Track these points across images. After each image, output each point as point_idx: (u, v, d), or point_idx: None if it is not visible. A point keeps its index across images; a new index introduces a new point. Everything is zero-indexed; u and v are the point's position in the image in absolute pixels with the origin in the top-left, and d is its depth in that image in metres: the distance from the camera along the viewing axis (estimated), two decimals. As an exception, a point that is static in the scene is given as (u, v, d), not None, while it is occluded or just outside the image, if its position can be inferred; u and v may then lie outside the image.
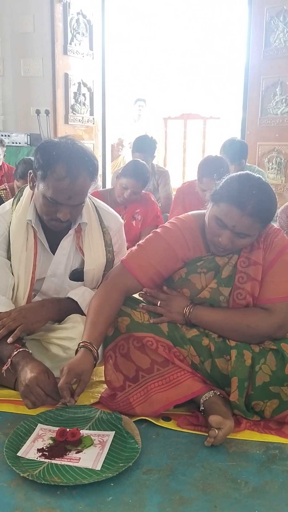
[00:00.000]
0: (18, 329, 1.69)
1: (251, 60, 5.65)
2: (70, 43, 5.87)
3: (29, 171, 1.79)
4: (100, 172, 6.14)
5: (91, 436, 1.50)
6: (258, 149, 5.69)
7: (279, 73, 5.44)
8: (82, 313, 1.84)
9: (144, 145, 4.33)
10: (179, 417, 1.66)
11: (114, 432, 1.53)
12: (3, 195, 3.66)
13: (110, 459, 1.40)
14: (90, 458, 1.40)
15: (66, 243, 1.89)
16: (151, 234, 1.79)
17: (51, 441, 1.47)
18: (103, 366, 1.74)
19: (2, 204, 1.98)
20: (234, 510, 1.25)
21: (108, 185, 6.27)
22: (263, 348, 1.65)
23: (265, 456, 1.49)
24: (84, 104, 6.18)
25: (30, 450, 1.43)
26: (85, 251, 1.90)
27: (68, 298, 1.87)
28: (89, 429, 1.55)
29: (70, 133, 5.71)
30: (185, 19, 8.25)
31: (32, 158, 1.94)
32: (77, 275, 1.93)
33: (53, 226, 1.80)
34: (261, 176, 1.70)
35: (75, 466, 1.37)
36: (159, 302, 1.74)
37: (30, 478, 1.31)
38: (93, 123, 6.34)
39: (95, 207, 1.97)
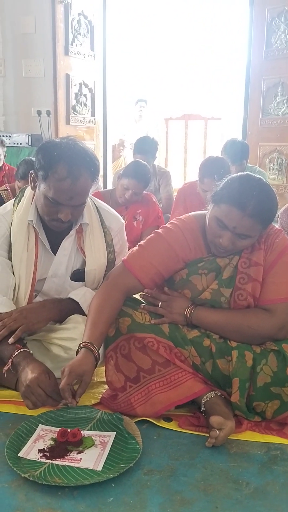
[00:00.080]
0: (19, 330, 1.69)
1: (252, 61, 5.65)
2: (71, 44, 5.87)
3: (31, 172, 1.79)
4: (101, 172, 6.14)
5: (92, 437, 1.49)
6: (259, 150, 5.69)
7: (280, 73, 5.44)
8: (83, 314, 1.83)
9: (146, 146, 4.33)
10: (180, 417, 1.66)
11: (115, 432, 1.52)
12: (4, 196, 3.66)
13: (111, 460, 1.40)
14: (91, 459, 1.40)
15: (67, 244, 1.89)
16: (152, 235, 1.79)
17: (52, 442, 1.47)
18: (104, 367, 1.74)
19: (3, 205, 1.98)
20: (235, 511, 1.25)
21: (109, 186, 6.28)
22: (264, 349, 1.64)
23: (266, 457, 1.48)
24: (85, 104, 6.19)
25: (31, 451, 1.43)
26: (86, 252, 1.90)
27: (69, 298, 1.87)
28: (90, 430, 1.54)
29: (71, 134, 5.71)
30: (186, 20, 8.25)
31: (33, 158, 1.94)
32: (78, 276, 1.93)
33: (54, 227, 1.80)
34: (261, 177, 1.70)
35: (76, 467, 1.37)
36: (160, 303, 1.74)
37: (31, 478, 1.30)
38: (94, 124, 6.35)
39: (96, 208, 1.97)
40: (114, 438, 1.50)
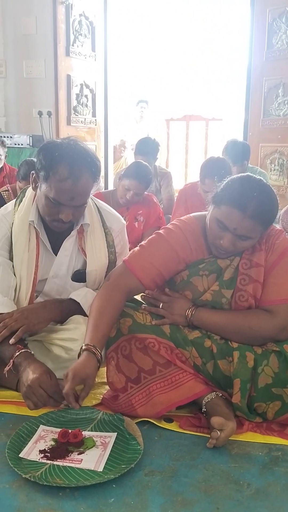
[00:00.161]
0: (20, 330, 1.69)
1: (253, 62, 5.65)
2: (73, 45, 5.88)
3: (32, 172, 1.79)
4: (102, 173, 6.14)
5: (93, 438, 1.49)
6: (261, 151, 5.69)
7: (282, 74, 5.44)
8: (84, 314, 1.83)
9: (147, 148, 4.34)
10: (181, 418, 1.65)
11: (116, 433, 1.52)
12: (5, 196, 3.66)
13: (112, 461, 1.40)
14: (92, 460, 1.40)
15: (68, 244, 1.89)
16: (153, 235, 1.79)
17: (53, 442, 1.47)
18: (105, 367, 1.73)
19: (5, 205, 1.98)
20: (236, 512, 1.25)
21: (111, 187, 6.28)
22: (266, 349, 1.64)
23: (268, 458, 1.48)
24: (86, 105, 6.20)
25: (32, 451, 1.43)
26: (87, 252, 1.90)
27: (70, 299, 1.87)
28: (91, 431, 1.54)
29: (72, 135, 5.72)
30: (187, 21, 8.26)
31: (35, 159, 1.94)
32: (79, 276, 1.93)
33: (56, 227, 1.80)
34: (262, 178, 1.69)
35: (77, 468, 1.37)
36: (161, 304, 1.73)
37: (32, 479, 1.30)
38: (95, 125, 6.35)
39: (97, 208, 1.97)
40: (115, 438, 1.50)
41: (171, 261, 1.72)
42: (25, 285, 1.86)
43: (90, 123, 6.27)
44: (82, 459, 1.40)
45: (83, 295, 1.87)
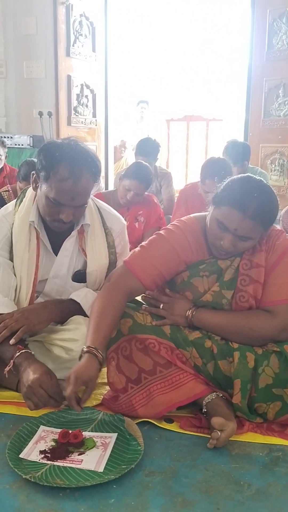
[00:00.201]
0: (20, 331, 1.69)
1: (254, 62, 5.65)
2: (73, 45, 5.88)
3: (32, 172, 1.79)
4: (102, 174, 6.15)
5: (94, 438, 1.49)
6: (261, 151, 5.69)
7: (282, 75, 5.44)
8: (84, 315, 1.83)
9: (147, 148, 4.34)
10: (182, 419, 1.65)
11: (116, 434, 1.52)
12: (5, 197, 3.66)
13: (113, 461, 1.40)
14: (93, 460, 1.40)
15: (69, 245, 1.89)
16: (154, 236, 1.78)
17: (53, 443, 1.47)
18: (106, 368, 1.73)
19: (5, 206, 1.98)
20: (237, 513, 1.25)
21: (111, 187, 6.28)
22: (266, 350, 1.64)
23: (268, 458, 1.48)
24: (86, 106, 6.20)
25: (32, 452, 1.43)
26: (87, 253, 1.90)
27: (71, 299, 1.87)
28: (92, 431, 1.54)
29: (72, 135, 5.71)
30: (187, 21, 8.26)
31: (35, 159, 1.94)
32: (79, 277, 1.93)
33: (56, 227, 1.80)
34: (262, 179, 1.69)
35: (77, 468, 1.37)
36: (161, 305, 1.73)
37: (32, 480, 1.30)
38: (96, 125, 6.35)
39: (98, 209, 1.97)
40: (116, 439, 1.50)
41: (172, 262, 1.72)
42: (25, 285, 1.86)
43: (90, 123, 6.27)
44: (82, 460, 1.40)
45: (83, 295, 1.87)
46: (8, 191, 3.69)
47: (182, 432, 1.60)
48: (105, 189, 5.79)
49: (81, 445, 1.46)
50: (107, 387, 1.76)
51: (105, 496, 1.29)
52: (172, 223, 1.81)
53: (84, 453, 1.43)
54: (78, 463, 1.39)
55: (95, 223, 1.93)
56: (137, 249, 1.77)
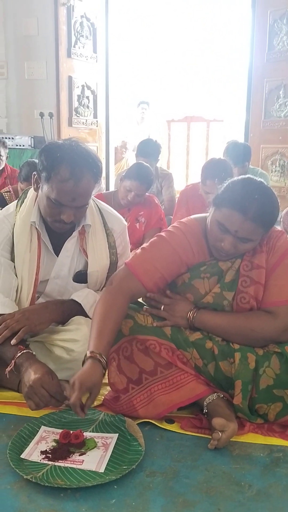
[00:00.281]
0: (21, 331, 1.69)
1: (254, 63, 5.65)
2: (74, 46, 5.88)
3: (33, 173, 1.79)
4: (103, 174, 6.15)
5: (95, 439, 1.49)
6: (262, 152, 5.69)
7: (283, 75, 5.44)
8: (85, 315, 1.84)
9: (148, 149, 4.34)
10: (183, 419, 1.66)
11: (117, 434, 1.53)
12: (6, 197, 3.66)
13: (114, 462, 1.40)
14: (94, 461, 1.40)
15: (70, 245, 1.89)
16: (155, 238, 1.78)
17: (54, 443, 1.47)
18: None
19: (6, 206, 1.98)
20: (237, 513, 1.25)
21: (112, 188, 6.28)
22: (267, 351, 1.64)
23: (269, 459, 1.48)
24: (87, 106, 6.20)
25: (33, 452, 1.43)
26: (88, 253, 1.90)
27: (72, 300, 1.87)
28: (93, 432, 1.55)
29: (73, 136, 5.72)
30: (188, 22, 8.26)
31: (36, 160, 1.94)
32: (80, 277, 1.93)
33: (57, 228, 1.80)
34: (263, 180, 1.69)
35: (78, 469, 1.37)
36: (162, 306, 1.73)
37: (33, 480, 1.30)
38: (97, 126, 6.35)
39: (99, 209, 1.97)
40: (117, 439, 1.50)
41: (173, 264, 1.72)
42: (26, 286, 1.86)
43: (91, 124, 6.27)
44: (83, 460, 1.40)
45: (84, 296, 1.87)
46: (9, 191, 3.69)
47: (183, 433, 1.60)
48: (106, 190, 5.79)
49: (82, 446, 1.46)
50: (108, 388, 1.77)
51: (106, 496, 1.29)
52: (173, 224, 1.81)
53: (85, 454, 1.43)
54: (79, 463, 1.39)
55: (96, 224, 1.93)
56: (139, 251, 1.76)
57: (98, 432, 1.54)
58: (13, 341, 1.66)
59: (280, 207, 1.69)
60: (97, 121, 6.34)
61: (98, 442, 1.48)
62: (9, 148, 4.46)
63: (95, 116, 6.31)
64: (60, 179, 1.67)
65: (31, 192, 1.89)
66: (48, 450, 1.44)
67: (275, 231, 1.75)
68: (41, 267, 1.87)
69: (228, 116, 8.24)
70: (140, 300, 1.83)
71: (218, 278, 1.71)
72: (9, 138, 5.46)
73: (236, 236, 1.61)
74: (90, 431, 1.54)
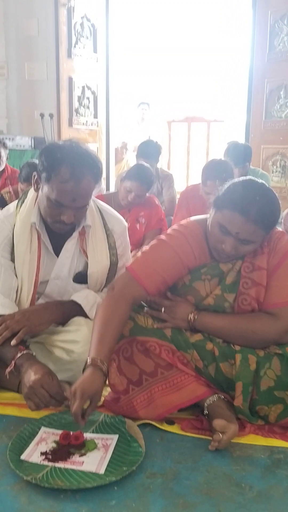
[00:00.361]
0: (21, 332, 1.69)
1: (255, 63, 5.65)
2: (74, 47, 5.89)
3: (34, 174, 1.79)
4: (104, 175, 6.15)
5: (95, 440, 1.49)
6: (262, 152, 5.69)
7: (283, 76, 5.44)
8: (85, 316, 1.84)
9: (149, 150, 4.34)
10: (183, 421, 1.65)
11: (117, 435, 1.52)
12: (7, 198, 3.66)
13: (114, 463, 1.40)
14: (94, 462, 1.39)
15: (70, 246, 1.89)
16: (156, 241, 1.76)
17: (54, 445, 1.47)
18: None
19: (6, 207, 1.98)
20: (238, 515, 1.25)
21: (112, 188, 6.28)
22: (268, 352, 1.64)
23: (270, 460, 1.48)
24: (88, 107, 6.20)
25: (33, 454, 1.43)
26: (89, 254, 1.90)
27: (72, 300, 1.87)
28: (93, 433, 1.54)
29: (74, 136, 5.73)
30: (189, 23, 8.26)
31: (36, 161, 1.94)
32: (80, 278, 1.93)
33: (57, 229, 1.80)
34: (264, 182, 1.68)
35: (78, 470, 1.36)
36: (163, 308, 1.72)
37: (33, 481, 1.30)
38: (97, 126, 6.35)
39: (99, 210, 1.97)
40: (117, 441, 1.50)
41: (174, 267, 1.70)
42: (26, 286, 1.86)
43: (91, 125, 6.27)
44: (83, 461, 1.40)
45: (84, 296, 1.87)
46: (10, 192, 3.69)
47: (183, 434, 1.59)
48: (107, 191, 5.79)
49: (82, 447, 1.45)
50: (108, 389, 1.76)
51: (106, 498, 1.29)
52: (173, 227, 1.79)
53: (85, 455, 1.43)
54: (79, 464, 1.38)
55: (97, 225, 1.93)
56: (139, 255, 1.75)
57: (98, 433, 1.54)
58: (13, 342, 1.66)
59: (281, 208, 1.68)
60: (97, 121, 6.34)
61: (98, 443, 1.48)
62: (9, 148, 4.46)
63: (95, 117, 6.31)
64: (61, 180, 1.67)
65: (31, 193, 1.89)
66: (48, 451, 1.44)
67: (276, 232, 1.74)
68: (41, 267, 1.87)
69: (229, 116, 8.24)
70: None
71: (219, 280, 1.71)
72: (9, 138, 5.46)
73: (237, 238, 1.61)
74: (90, 432, 1.54)
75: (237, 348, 1.64)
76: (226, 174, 2.88)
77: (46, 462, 1.39)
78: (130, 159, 7.17)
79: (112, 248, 1.95)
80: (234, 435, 1.51)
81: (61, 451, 1.43)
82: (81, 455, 1.43)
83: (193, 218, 1.81)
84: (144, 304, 1.80)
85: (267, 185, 1.66)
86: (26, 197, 1.91)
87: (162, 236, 1.77)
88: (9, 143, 4.70)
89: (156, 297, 1.73)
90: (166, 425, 1.63)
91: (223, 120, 8.53)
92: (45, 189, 1.72)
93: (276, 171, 5.62)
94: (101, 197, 3.42)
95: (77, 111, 6.06)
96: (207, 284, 1.71)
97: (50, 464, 1.38)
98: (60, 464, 1.38)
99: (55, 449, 1.44)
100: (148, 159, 4.17)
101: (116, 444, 1.48)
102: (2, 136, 5.40)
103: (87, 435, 1.51)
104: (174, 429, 1.62)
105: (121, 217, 2.06)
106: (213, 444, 1.49)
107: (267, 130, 5.65)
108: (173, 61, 8.64)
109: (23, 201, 1.90)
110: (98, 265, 1.91)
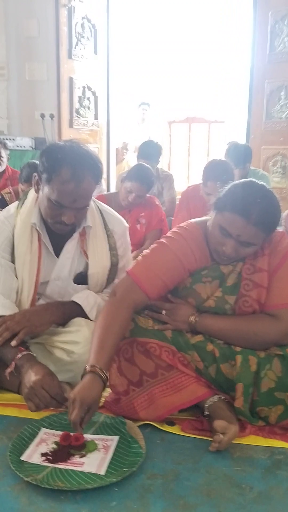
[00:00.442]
0: (22, 332, 1.68)
1: (255, 64, 5.64)
2: (75, 47, 5.88)
3: (34, 174, 1.79)
4: (104, 175, 6.15)
5: (95, 441, 1.49)
6: (263, 153, 5.68)
7: (284, 77, 5.43)
8: (86, 317, 1.83)
9: (150, 150, 4.35)
10: (184, 421, 1.65)
11: (118, 436, 1.52)
12: (7, 199, 3.67)
13: (114, 464, 1.40)
14: (94, 463, 1.39)
15: (71, 247, 1.88)
16: (155, 245, 1.75)
17: (54, 445, 1.47)
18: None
19: (7, 207, 1.98)
20: (238, 516, 1.25)
21: (113, 189, 6.28)
22: (269, 353, 1.64)
23: (270, 461, 1.48)
24: (88, 108, 6.19)
25: (33, 454, 1.43)
26: (89, 255, 1.90)
27: (72, 301, 1.87)
28: (93, 434, 1.54)
29: (74, 137, 5.70)
30: (189, 23, 8.26)
31: (37, 161, 1.94)
32: (81, 279, 1.93)
33: (58, 229, 1.80)
34: (264, 183, 1.68)
35: (79, 471, 1.36)
36: (164, 311, 1.72)
37: (33, 482, 1.30)
38: (98, 127, 6.35)
39: (100, 211, 1.97)
40: (117, 442, 1.50)
41: (175, 270, 1.70)
42: (27, 287, 1.86)
43: (92, 125, 6.26)
44: (84, 462, 1.40)
45: (85, 297, 1.87)
46: (10, 193, 3.69)
47: (184, 435, 1.59)
48: (107, 191, 5.79)
49: (83, 448, 1.45)
50: (109, 390, 1.76)
51: (107, 499, 1.29)
52: (173, 230, 1.79)
53: (85, 456, 1.43)
54: (79, 465, 1.38)
55: (97, 225, 1.93)
56: (140, 258, 1.75)
57: (99, 434, 1.54)
58: (13, 343, 1.66)
59: (281, 209, 1.68)
60: (98, 122, 6.33)
61: (98, 444, 1.48)
62: (10, 149, 4.46)
63: (96, 117, 6.31)
64: (61, 181, 1.67)
65: (32, 194, 1.89)
66: (48, 452, 1.44)
67: (276, 233, 1.74)
68: (41, 268, 1.86)
69: (229, 117, 8.23)
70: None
71: (219, 282, 1.70)
72: (10, 139, 5.46)
73: (238, 240, 1.60)
74: (90, 433, 1.54)
75: (238, 349, 1.64)
76: (226, 175, 2.88)
77: (46, 463, 1.39)
78: (131, 160, 7.16)
79: (112, 248, 1.95)
80: (234, 436, 1.51)
81: (61, 452, 1.43)
82: (82, 456, 1.43)
83: (193, 220, 1.81)
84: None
85: (267, 187, 1.66)
86: (26, 198, 1.91)
87: (163, 239, 1.76)
88: (9, 144, 4.70)
89: (156, 301, 1.72)
90: (166, 426, 1.63)
91: (223, 121, 8.53)
92: (45, 190, 1.72)
93: (276, 172, 5.62)
94: (101, 197, 3.42)
95: (77, 111, 6.05)
96: (208, 286, 1.71)
97: (51, 465, 1.38)
98: (61, 465, 1.38)
99: (56, 450, 1.44)
100: (149, 159, 4.17)
101: (117, 445, 1.48)
102: (2, 136, 5.40)
103: (88, 436, 1.51)
104: (174, 430, 1.62)
105: (122, 218, 2.06)
106: (213, 445, 1.49)
107: (268, 130, 5.65)
108: (173, 61, 8.64)
109: (23, 202, 1.90)
110: (98, 266, 1.91)
